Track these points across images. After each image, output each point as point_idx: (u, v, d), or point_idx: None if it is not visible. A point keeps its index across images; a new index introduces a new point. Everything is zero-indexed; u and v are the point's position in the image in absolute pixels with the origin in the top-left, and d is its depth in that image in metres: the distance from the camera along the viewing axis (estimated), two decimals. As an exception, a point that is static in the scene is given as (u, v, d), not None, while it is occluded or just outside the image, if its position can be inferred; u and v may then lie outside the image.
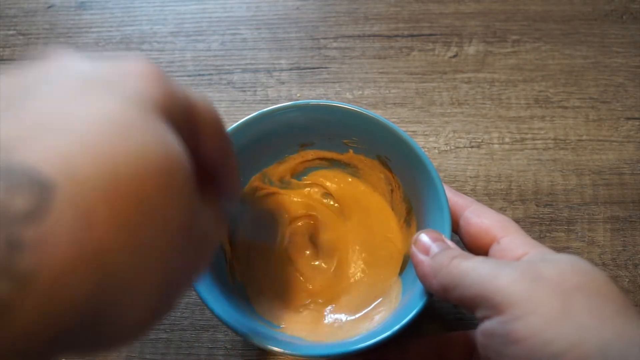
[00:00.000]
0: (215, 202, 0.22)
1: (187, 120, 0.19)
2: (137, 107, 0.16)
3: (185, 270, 0.18)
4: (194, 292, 0.27)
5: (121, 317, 0.15)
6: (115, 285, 0.14)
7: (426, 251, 0.26)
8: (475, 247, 0.28)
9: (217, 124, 0.21)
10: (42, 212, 0.13)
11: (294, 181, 0.36)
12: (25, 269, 0.12)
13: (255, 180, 0.35)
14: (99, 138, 0.14)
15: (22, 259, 0.12)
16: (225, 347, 0.34)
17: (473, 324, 0.33)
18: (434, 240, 0.26)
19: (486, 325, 0.22)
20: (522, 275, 0.22)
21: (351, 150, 0.34)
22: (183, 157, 0.17)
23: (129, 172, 0.15)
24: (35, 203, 0.13)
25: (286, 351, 0.26)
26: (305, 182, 0.36)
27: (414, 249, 0.26)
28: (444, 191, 0.29)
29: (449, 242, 0.26)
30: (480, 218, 0.28)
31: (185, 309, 0.35)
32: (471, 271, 0.23)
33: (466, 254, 0.25)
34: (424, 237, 0.26)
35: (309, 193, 0.36)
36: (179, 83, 0.19)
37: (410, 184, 0.32)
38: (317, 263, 0.34)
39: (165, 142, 0.16)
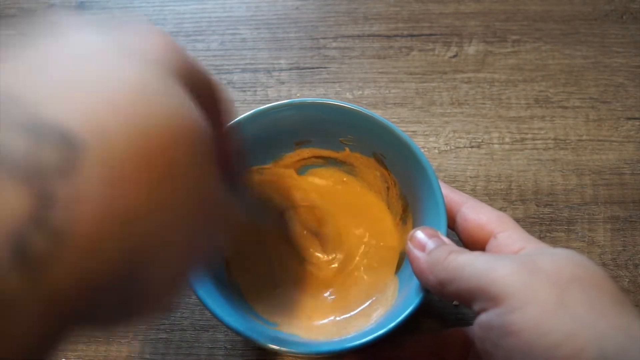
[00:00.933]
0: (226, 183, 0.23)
1: (206, 91, 0.19)
2: (158, 72, 0.16)
3: (208, 236, 0.19)
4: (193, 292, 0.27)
5: (153, 275, 0.16)
6: (145, 245, 0.15)
7: (422, 247, 0.26)
8: (472, 243, 0.28)
9: (228, 101, 0.21)
10: (73, 169, 0.13)
11: None
12: (60, 224, 0.12)
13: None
14: (125, 99, 0.15)
15: (56, 215, 0.12)
16: (225, 347, 0.33)
17: (472, 322, 0.33)
18: (430, 236, 0.26)
19: (483, 318, 0.22)
20: (519, 268, 0.22)
21: (347, 148, 0.34)
22: (205, 125, 0.17)
23: (158, 134, 0.15)
24: (65, 159, 0.13)
25: (282, 348, 0.26)
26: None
27: (409, 246, 0.26)
28: (440, 188, 0.29)
29: (445, 239, 0.26)
30: (477, 214, 0.28)
31: (185, 309, 0.35)
32: (468, 265, 0.23)
33: (462, 249, 0.25)
34: (420, 234, 0.27)
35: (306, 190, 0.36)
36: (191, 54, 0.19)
37: (406, 182, 0.32)
38: (312, 261, 0.34)
39: (189, 108, 0.16)
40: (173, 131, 0.15)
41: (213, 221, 0.18)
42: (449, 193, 0.29)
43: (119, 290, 0.15)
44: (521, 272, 0.22)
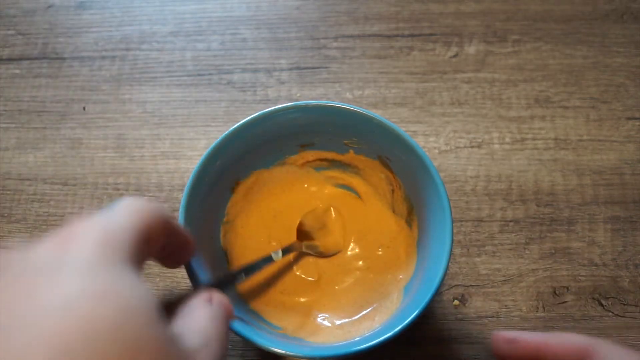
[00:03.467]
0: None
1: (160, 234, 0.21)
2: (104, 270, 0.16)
3: None
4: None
5: None
6: None
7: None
8: None
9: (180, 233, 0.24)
10: None
11: None
12: None
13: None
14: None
15: None
16: (226, 347, 0.33)
17: (473, 322, 0.33)
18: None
19: None
20: None
21: (352, 151, 0.34)
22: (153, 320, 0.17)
23: None
24: None
25: (288, 352, 0.26)
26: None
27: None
28: (445, 191, 0.29)
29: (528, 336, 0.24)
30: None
31: (186, 309, 0.34)
32: None
33: None
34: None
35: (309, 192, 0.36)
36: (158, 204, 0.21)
37: (411, 184, 0.32)
38: (318, 265, 0.34)
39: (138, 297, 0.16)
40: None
41: None
42: (533, 339, 0.24)
43: None
44: None
